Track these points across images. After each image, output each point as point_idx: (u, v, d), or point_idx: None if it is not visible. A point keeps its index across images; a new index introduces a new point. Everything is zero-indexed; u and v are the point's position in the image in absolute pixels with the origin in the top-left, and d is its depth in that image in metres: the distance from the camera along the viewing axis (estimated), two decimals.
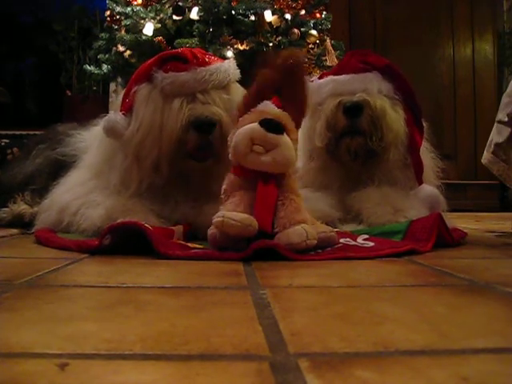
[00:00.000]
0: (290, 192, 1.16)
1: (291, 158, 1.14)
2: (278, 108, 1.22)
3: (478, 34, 4.11)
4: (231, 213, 1.07)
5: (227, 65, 1.48)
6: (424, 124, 1.62)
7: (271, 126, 1.13)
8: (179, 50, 1.49)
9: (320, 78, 1.68)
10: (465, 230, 1.50)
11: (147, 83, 1.42)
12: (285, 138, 1.13)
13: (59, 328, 0.56)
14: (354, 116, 1.53)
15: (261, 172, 1.13)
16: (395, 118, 1.53)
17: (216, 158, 1.39)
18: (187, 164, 1.39)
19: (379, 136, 1.52)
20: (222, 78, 1.43)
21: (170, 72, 1.40)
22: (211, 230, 1.12)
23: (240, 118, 1.20)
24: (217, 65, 1.44)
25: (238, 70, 1.52)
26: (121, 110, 1.43)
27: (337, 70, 1.66)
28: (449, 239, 1.28)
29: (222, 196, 1.17)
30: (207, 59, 1.45)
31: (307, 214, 1.15)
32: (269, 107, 1.21)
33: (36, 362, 0.45)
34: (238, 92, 1.46)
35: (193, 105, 1.38)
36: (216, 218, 1.08)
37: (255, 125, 1.13)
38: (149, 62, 1.46)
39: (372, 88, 1.55)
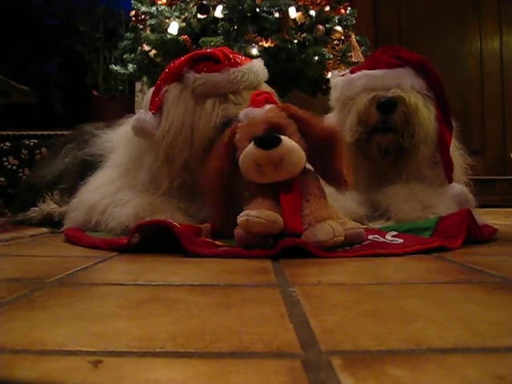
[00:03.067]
0: (312, 187, 1.15)
1: (300, 157, 1.13)
2: (262, 103, 1.21)
3: (505, 26, 4.04)
4: (255, 211, 1.07)
5: (257, 65, 1.48)
6: (453, 122, 1.60)
7: (267, 142, 1.11)
8: (210, 51, 1.49)
9: (352, 72, 1.67)
10: (494, 226, 1.48)
11: (178, 83, 1.43)
12: (284, 143, 1.11)
13: (91, 326, 0.56)
14: (387, 112, 1.51)
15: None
16: (427, 115, 1.52)
17: None
18: None
19: (411, 133, 1.51)
20: (253, 79, 1.44)
21: (203, 73, 1.40)
22: (237, 230, 1.12)
23: (235, 140, 1.19)
24: (248, 65, 1.45)
25: (266, 70, 1.52)
26: (150, 110, 1.44)
27: (369, 65, 1.64)
28: (479, 235, 1.27)
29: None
30: (238, 59, 1.45)
31: (333, 210, 1.14)
32: (253, 115, 1.19)
33: (70, 359, 0.46)
34: None
35: (225, 105, 1.38)
36: (240, 218, 1.08)
37: (253, 148, 1.12)
38: (179, 61, 1.46)
39: (406, 84, 1.53)
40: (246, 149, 1.13)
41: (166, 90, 1.43)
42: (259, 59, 1.55)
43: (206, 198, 1.24)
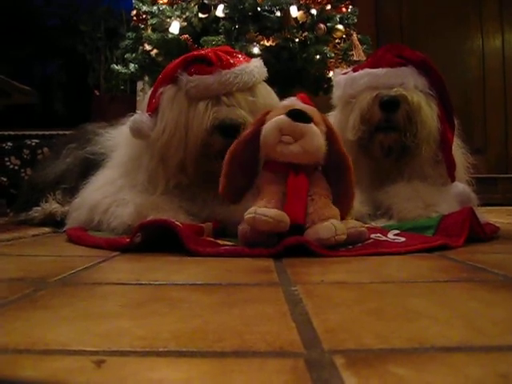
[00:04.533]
0: (319, 187, 1.16)
1: (320, 145, 1.13)
2: (306, 102, 1.22)
3: (507, 24, 4.03)
4: (263, 209, 1.07)
5: (252, 66, 1.47)
6: (455, 120, 1.60)
7: (298, 115, 1.13)
8: (203, 52, 1.48)
9: (354, 70, 1.67)
10: (497, 225, 1.47)
11: (173, 85, 1.43)
12: (313, 126, 1.13)
13: (94, 325, 0.56)
14: (390, 110, 1.51)
15: (291, 165, 1.13)
16: (429, 113, 1.52)
17: None
18: (213, 165, 1.39)
19: (414, 132, 1.51)
20: (247, 80, 1.42)
21: (195, 75, 1.40)
22: (242, 226, 1.12)
23: (267, 116, 1.20)
24: (242, 66, 1.43)
25: (265, 69, 1.51)
26: (147, 111, 1.44)
27: (372, 64, 1.64)
28: (481, 234, 1.27)
29: (255, 192, 1.17)
30: (232, 61, 1.44)
31: (337, 210, 1.14)
32: (294, 102, 1.20)
33: (73, 358, 0.46)
34: (264, 93, 1.46)
35: (217, 108, 1.37)
36: (247, 215, 1.08)
37: (282, 116, 1.14)
38: (174, 63, 1.46)
39: (408, 83, 1.53)
40: (275, 118, 1.15)
41: (161, 91, 1.43)
42: (258, 59, 1.53)
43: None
